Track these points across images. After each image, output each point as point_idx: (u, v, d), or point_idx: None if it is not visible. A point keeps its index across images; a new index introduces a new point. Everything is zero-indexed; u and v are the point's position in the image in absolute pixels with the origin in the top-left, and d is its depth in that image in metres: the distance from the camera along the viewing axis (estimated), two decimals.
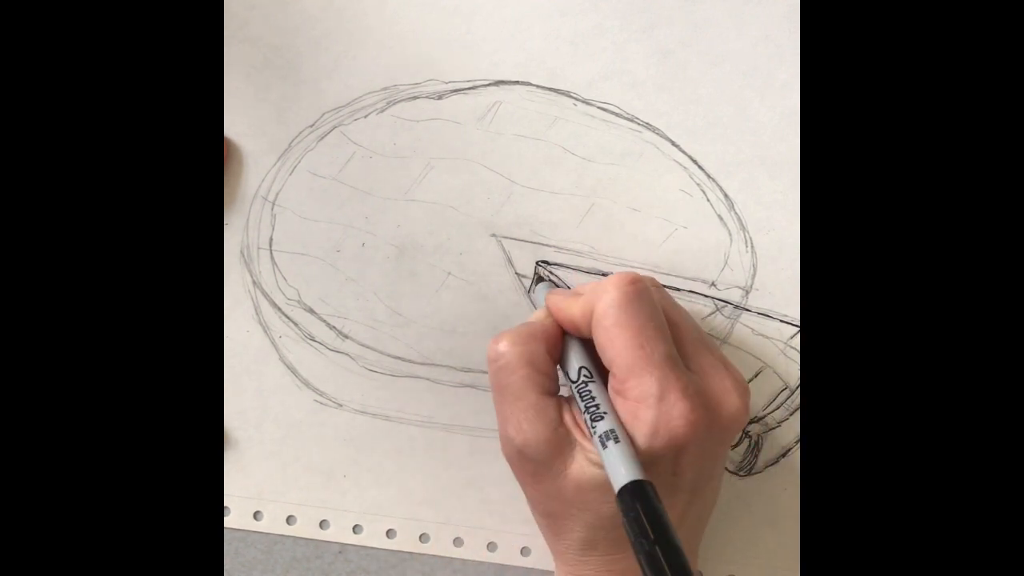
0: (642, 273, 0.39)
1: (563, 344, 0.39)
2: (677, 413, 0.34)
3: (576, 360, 0.38)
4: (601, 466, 0.34)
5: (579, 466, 0.36)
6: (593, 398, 0.36)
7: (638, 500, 0.31)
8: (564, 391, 0.39)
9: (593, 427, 0.35)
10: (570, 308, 0.37)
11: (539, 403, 0.36)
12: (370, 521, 0.44)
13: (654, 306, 0.36)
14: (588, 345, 0.38)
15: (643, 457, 0.34)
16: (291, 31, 0.48)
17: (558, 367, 0.39)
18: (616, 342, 0.35)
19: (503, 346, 0.38)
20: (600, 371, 0.37)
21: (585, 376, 0.37)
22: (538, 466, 0.37)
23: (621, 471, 0.32)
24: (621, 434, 0.34)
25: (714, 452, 0.37)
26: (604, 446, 0.34)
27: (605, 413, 0.35)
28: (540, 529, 0.40)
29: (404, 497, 0.44)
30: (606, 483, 0.34)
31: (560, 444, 0.36)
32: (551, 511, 0.38)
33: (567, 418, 0.37)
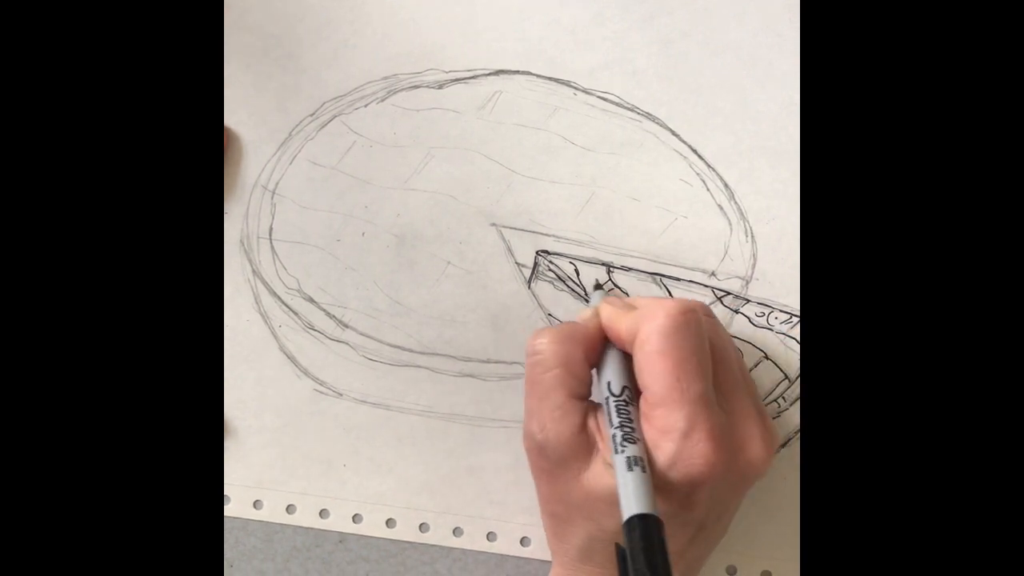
0: (696, 298, 0.39)
1: (606, 354, 0.38)
2: (699, 452, 0.34)
3: (620, 376, 0.37)
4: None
5: (594, 474, 0.36)
6: (630, 420, 0.35)
7: (644, 533, 0.31)
8: (595, 395, 0.39)
9: (622, 447, 0.34)
10: (618, 322, 0.37)
11: (566, 405, 0.36)
12: (370, 510, 0.44)
13: (701, 340, 0.36)
14: (631, 361, 0.38)
15: (656, 483, 0.34)
16: (291, 20, 0.48)
17: (594, 373, 0.39)
18: (654, 369, 0.35)
19: (541, 342, 0.37)
20: (635, 390, 0.37)
21: (628, 396, 0.36)
22: (554, 465, 0.37)
23: (634, 501, 0.33)
24: (647, 464, 0.34)
25: (729, 495, 0.37)
26: (630, 469, 0.34)
27: (638, 439, 0.35)
28: (544, 528, 0.40)
29: (404, 486, 0.44)
30: (617, 497, 0.34)
31: (579, 448, 0.36)
32: (557, 513, 0.38)
33: (591, 423, 0.37)
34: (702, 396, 0.35)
